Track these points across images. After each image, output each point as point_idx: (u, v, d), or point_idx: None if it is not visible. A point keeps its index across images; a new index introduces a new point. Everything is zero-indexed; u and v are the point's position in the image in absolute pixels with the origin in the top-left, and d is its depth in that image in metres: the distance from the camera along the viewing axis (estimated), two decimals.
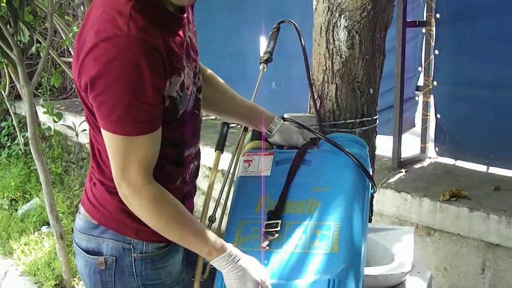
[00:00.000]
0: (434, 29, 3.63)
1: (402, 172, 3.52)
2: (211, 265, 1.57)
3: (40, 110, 5.84)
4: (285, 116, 1.97)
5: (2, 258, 4.36)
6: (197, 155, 1.72)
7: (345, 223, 1.62)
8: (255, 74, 2.03)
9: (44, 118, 6.16)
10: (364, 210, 1.72)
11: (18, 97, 6.66)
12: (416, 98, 3.86)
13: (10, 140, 6.71)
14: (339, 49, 2.17)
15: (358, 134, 2.19)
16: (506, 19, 3.28)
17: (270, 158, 1.85)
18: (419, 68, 3.77)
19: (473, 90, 3.50)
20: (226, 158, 1.89)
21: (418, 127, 3.89)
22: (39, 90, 6.76)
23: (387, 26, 2.24)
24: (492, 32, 3.35)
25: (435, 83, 3.66)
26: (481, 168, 3.54)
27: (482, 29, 3.39)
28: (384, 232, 2.14)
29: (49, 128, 6.10)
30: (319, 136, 1.87)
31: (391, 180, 3.38)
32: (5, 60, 3.64)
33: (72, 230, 1.76)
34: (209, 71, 1.87)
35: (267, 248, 1.62)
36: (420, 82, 3.82)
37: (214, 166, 1.83)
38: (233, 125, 1.98)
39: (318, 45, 2.22)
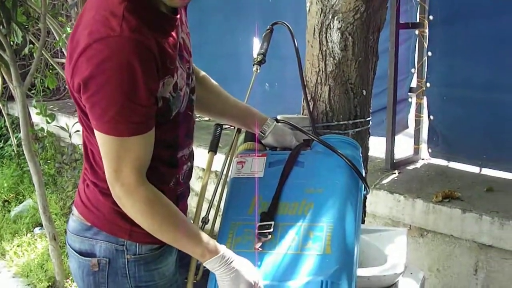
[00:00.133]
0: (427, 30, 3.64)
1: (395, 173, 3.53)
2: (205, 267, 1.58)
3: (33, 111, 5.83)
4: (278, 117, 1.98)
5: None
6: (191, 156, 1.72)
7: (338, 225, 1.63)
8: (249, 75, 2.04)
9: (37, 119, 6.15)
10: (357, 211, 1.73)
11: (10, 98, 6.63)
12: (409, 99, 3.87)
13: (2, 141, 6.69)
14: (332, 51, 2.18)
15: (351, 135, 2.20)
16: (499, 21, 3.30)
17: (263, 160, 1.85)
18: (412, 70, 3.78)
19: (466, 91, 3.51)
20: (219, 159, 1.89)
21: (411, 129, 3.90)
22: (32, 91, 6.74)
23: (380, 27, 2.25)
24: (485, 34, 3.37)
25: (428, 84, 3.67)
26: (474, 169, 3.55)
27: (475, 31, 3.40)
28: (377, 233, 2.15)
29: (42, 129, 6.08)
30: (312, 137, 1.87)
31: (384, 182, 3.39)
32: None
33: (65, 232, 1.75)
34: (203, 73, 1.87)
35: (260, 249, 1.62)
36: (413, 84, 3.83)
37: (208, 168, 1.83)
38: (226, 126, 1.98)
39: (311, 46, 2.23)
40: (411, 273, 2.04)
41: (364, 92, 2.25)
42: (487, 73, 3.39)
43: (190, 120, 1.67)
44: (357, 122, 2.25)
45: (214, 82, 1.89)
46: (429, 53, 3.62)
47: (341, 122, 2.22)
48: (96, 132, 1.44)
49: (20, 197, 5.40)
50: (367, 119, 2.30)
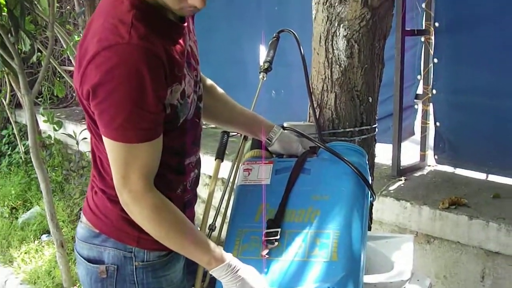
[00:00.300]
0: (433, 37, 3.64)
1: (401, 180, 3.53)
2: (211, 274, 1.58)
3: (40, 119, 5.85)
4: (285, 124, 1.99)
5: (2, 267, 4.35)
6: (198, 163, 1.73)
7: (345, 231, 1.63)
8: (256, 83, 2.05)
9: (44, 126, 6.17)
10: (364, 218, 1.73)
11: (18, 106, 6.67)
12: (415, 106, 3.87)
13: (10, 148, 6.71)
14: (338, 58, 2.18)
15: (357, 142, 2.21)
16: (505, 28, 3.30)
17: (270, 167, 1.86)
18: (418, 77, 3.78)
19: (472, 98, 3.51)
20: (226, 166, 1.90)
21: (417, 135, 3.90)
22: (39, 99, 6.77)
23: (386, 35, 2.25)
24: (490, 41, 3.37)
25: (434, 91, 3.67)
26: (480, 176, 3.55)
27: (481, 38, 3.40)
28: (383, 240, 2.14)
29: (49, 137, 6.10)
30: (319, 144, 1.88)
31: (391, 188, 3.39)
32: (6, 68, 3.66)
33: (73, 239, 1.77)
34: (210, 81, 1.88)
35: (267, 256, 1.63)
36: (419, 91, 3.83)
37: (214, 175, 1.84)
38: (233, 134, 1.99)
39: (318, 54, 2.24)
40: (418, 280, 2.03)
41: (370, 99, 2.25)
42: (493, 80, 3.39)
43: (197, 128, 1.68)
44: (363, 129, 2.25)
45: (221, 90, 1.90)
46: (435, 60, 3.63)
47: (347, 129, 2.22)
48: (104, 139, 1.45)
49: (28, 204, 5.41)
50: (373, 126, 2.30)
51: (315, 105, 2.24)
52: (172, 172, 1.60)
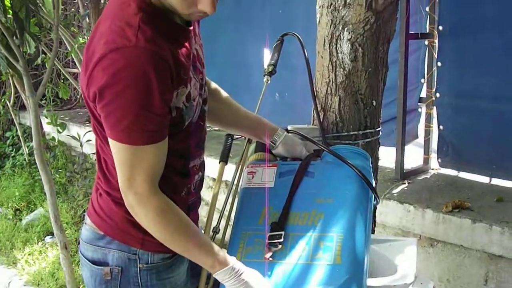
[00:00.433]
0: (436, 41, 3.64)
1: (405, 183, 3.53)
2: (215, 277, 1.59)
3: (44, 121, 5.87)
4: (289, 128, 1.99)
5: (6, 268, 4.36)
6: (202, 166, 1.74)
7: (348, 235, 1.63)
8: (260, 86, 2.05)
9: (48, 128, 6.19)
10: (367, 221, 1.73)
11: (22, 108, 6.69)
12: (419, 109, 3.87)
13: (14, 150, 6.73)
14: (342, 62, 2.19)
15: (361, 146, 2.21)
16: (509, 32, 3.30)
17: (274, 170, 1.86)
18: (422, 80, 3.78)
19: (475, 101, 3.51)
20: (230, 169, 1.90)
21: (421, 139, 3.90)
22: (42, 101, 6.78)
23: (390, 38, 2.26)
24: (494, 44, 3.37)
25: (437, 94, 3.67)
26: (484, 179, 3.54)
27: (485, 41, 3.40)
28: (387, 243, 2.15)
29: (53, 139, 6.12)
30: (322, 148, 1.88)
31: (394, 192, 3.39)
32: (10, 70, 3.67)
33: (76, 241, 1.77)
34: (214, 84, 1.89)
35: (271, 259, 1.63)
36: (423, 94, 3.83)
37: (218, 178, 1.85)
38: (237, 136, 2.00)
39: (322, 57, 2.24)
40: (421, 283, 2.03)
41: (374, 103, 2.26)
42: (496, 83, 3.39)
43: (202, 130, 1.69)
44: (367, 132, 2.26)
45: (226, 94, 1.90)
46: (439, 64, 3.63)
47: (351, 133, 2.23)
48: (110, 141, 1.46)
49: (32, 206, 5.43)
50: (377, 129, 2.30)
51: (319, 108, 2.24)
52: (177, 174, 1.60)
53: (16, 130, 6.51)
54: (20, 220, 5.15)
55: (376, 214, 2.43)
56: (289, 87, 4.33)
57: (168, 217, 1.50)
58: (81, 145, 5.43)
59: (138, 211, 1.49)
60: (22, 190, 5.67)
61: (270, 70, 2.09)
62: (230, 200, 1.87)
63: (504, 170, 3.42)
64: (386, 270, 2.00)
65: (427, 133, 3.81)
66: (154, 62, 1.38)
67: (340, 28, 2.16)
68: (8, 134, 6.98)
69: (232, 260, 1.56)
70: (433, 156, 3.81)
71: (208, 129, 1.77)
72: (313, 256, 1.61)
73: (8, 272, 4.29)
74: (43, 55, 5.21)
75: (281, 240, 1.65)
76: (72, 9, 6.71)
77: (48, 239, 4.72)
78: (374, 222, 2.39)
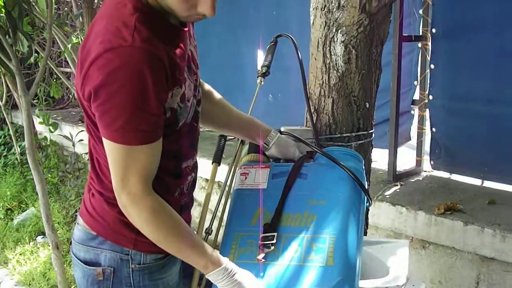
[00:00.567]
0: (430, 43, 3.66)
1: (397, 185, 3.54)
2: (208, 278, 1.58)
3: (36, 120, 5.85)
4: (282, 129, 1.99)
5: None
6: (194, 167, 1.74)
7: (341, 236, 1.64)
8: (253, 87, 2.06)
9: (40, 128, 6.17)
10: (360, 223, 1.74)
11: (14, 107, 6.67)
12: (412, 112, 3.89)
13: (6, 149, 6.71)
14: (336, 64, 2.19)
15: (354, 147, 2.21)
16: (502, 34, 3.31)
17: (267, 171, 1.86)
18: (415, 82, 3.79)
19: (468, 104, 3.53)
20: (223, 170, 1.90)
21: (413, 141, 3.91)
22: (35, 100, 6.76)
23: (383, 41, 2.26)
24: (487, 47, 3.39)
25: (430, 97, 3.69)
26: (476, 181, 3.56)
27: (478, 44, 3.42)
28: (379, 245, 2.15)
29: (45, 138, 6.10)
30: (315, 149, 1.88)
31: (387, 193, 3.40)
32: (2, 69, 3.65)
33: (68, 240, 1.77)
34: (208, 86, 1.89)
35: (263, 260, 1.63)
36: (416, 96, 3.85)
37: (211, 179, 1.84)
38: (230, 137, 2.00)
39: (315, 59, 2.25)
40: (413, 285, 2.04)
41: (367, 105, 2.26)
42: (489, 86, 3.41)
43: (195, 131, 1.69)
44: (360, 134, 2.26)
45: (219, 95, 1.90)
46: (432, 66, 3.64)
47: (344, 135, 2.23)
48: (104, 140, 1.45)
49: (23, 206, 5.41)
50: (370, 131, 2.31)
51: (312, 110, 2.24)
52: (170, 175, 1.60)
53: (8, 129, 6.49)
54: (12, 219, 5.13)
55: (369, 216, 2.43)
56: (283, 89, 4.34)
57: (161, 217, 1.50)
58: (73, 145, 5.41)
59: (131, 211, 1.48)
60: (14, 190, 5.65)
61: (263, 71, 2.09)
62: (223, 201, 1.87)
63: (496, 172, 3.43)
64: (378, 272, 2.00)
65: (420, 135, 3.83)
66: (149, 62, 1.38)
67: (334, 30, 2.17)
68: (0, 133, 6.96)
69: (225, 261, 1.56)
70: (426, 158, 3.82)
71: (201, 130, 1.77)
72: (305, 258, 1.61)
73: None
74: (36, 54, 5.20)
75: (274, 241, 1.65)
76: (66, 8, 6.69)
77: (39, 239, 4.70)
78: (367, 224, 2.39)
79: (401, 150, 3.77)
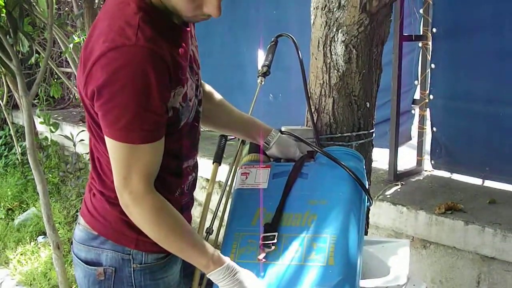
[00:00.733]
0: (430, 43, 3.66)
1: (398, 185, 3.54)
2: (209, 277, 1.58)
3: (37, 120, 5.86)
4: (283, 129, 1.99)
5: None
6: (195, 167, 1.74)
7: (341, 236, 1.64)
8: (254, 86, 2.06)
9: (41, 128, 6.17)
10: (360, 222, 1.74)
11: (15, 107, 6.67)
12: (412, 111, 3.89)
13: (7, 149, 6.71)
14: (336, 63, 2.19)
15: (354, 147, 2.21)
16: (502, 34, 3.32)
17: (267, 171, 1.86)
18: (415, 82, 3.79)
19: (468, 104, 3.53)
20: (223, 170, 1.90)
21: (414, 140, 3.92)
22: (35, 100, 6.76)
23: (384, 40, 2.26)
24: (488, 47, 3.39)
25: (431, 96, 3.69)
26: (477, 181, 3.56)
27: (478, 44, 3.42)
28: (379, 244, 2.15)
29: (46, 138, 6.10)
30: (316, 149, 1.88)
31: (387, 193, 3.40)
32: (3, 69, 3.66)
33: (69, 240, 1.77)
34: (208, 86, 1.89)
35: (264, 260, 1.63)
36: (417, 96, 3.85)
37: (212, 178, 1.85)
38: (231, 137, 2.00)
39: (316, 59, 2.25)
40: (414, 285, 2.04)
41: (368, 105, 2.26)
42: (490, 86, 3.41)
43: (196, 131, 1.69)
44: (360, 134, 2.26)
45: (219, 96, 1.91)
46: (432, 66, 3.64)
47: (345, 134, 2.23)
48: (107, 139, 1.45)
49: (24, 206, 5.41)
50: (371, 131, 2.31)
51: (313, 110, 2.24)
52: (171, 175, 1.60)
53: (9, 130, 6.49)
54: (13, 219, 5.13)
55: (369, 215, 2.43)
56: (283, 89, 4.34)
57: (163, 216, 1.50)
58: (74, 145, 5.42)
59: (133, 210, 1.48)
60: (15, 190, 5.65)
61: (264, 71, 2.09)
62: (223, 201, 1.87)
63: (497, 172, 3.43)
64: (379, 271, 2.00)
65: (421, 135, 3.83)
66: (153, 61, 1.38)
67: (334, 30, 2.17)
68: (0, 133, 6.95)
69: (227, 260, 1.56)
70: (426, 158, 3.82)
71: (201, 130, 1.77)
72: (306, 257, 1.61)
73: (0, 272, 4.28)
74: (37, 55, 5.21)
75: (275, 241, 1.65)
76: (66, 9, 6.70)
77: (40, 239, 4.70)
78: (367, 223, 2.39)
79: (401, 149, 3.77)
